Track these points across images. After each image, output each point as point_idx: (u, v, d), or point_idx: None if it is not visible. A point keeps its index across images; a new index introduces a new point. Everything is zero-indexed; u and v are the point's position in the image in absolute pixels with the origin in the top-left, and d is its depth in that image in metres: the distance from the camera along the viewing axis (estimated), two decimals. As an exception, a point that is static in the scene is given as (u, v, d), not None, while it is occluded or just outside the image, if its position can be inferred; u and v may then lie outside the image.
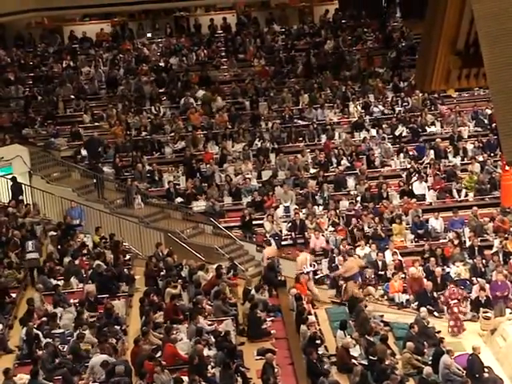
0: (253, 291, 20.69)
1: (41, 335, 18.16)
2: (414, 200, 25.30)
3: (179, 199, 25.86)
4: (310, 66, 31.69)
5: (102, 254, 21.94)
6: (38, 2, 29.84)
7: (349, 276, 22.09)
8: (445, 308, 21.21)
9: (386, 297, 22.27)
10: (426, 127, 28.67)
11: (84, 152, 26.84)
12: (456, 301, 21.01)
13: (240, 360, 17.86)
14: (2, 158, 26.16)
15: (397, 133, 28.37)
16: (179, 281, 20.96)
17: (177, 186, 26.31)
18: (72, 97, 30.30)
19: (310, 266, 22.72)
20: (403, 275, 22.50)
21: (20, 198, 25.09)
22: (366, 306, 20.78)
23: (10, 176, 25.70)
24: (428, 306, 20.97)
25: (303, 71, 31.44)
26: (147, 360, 16.99)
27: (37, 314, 19.10)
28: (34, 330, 18.16)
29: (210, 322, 19.15)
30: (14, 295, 20.47)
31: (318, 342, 18.65)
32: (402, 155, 27.38)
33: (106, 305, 19.45)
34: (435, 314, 21.32)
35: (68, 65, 32.01)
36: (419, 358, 18.60)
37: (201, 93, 30.05)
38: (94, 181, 26.14)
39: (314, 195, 25.74)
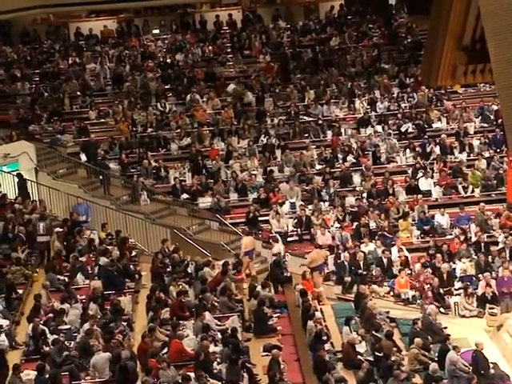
0: (259, 288, 20.69)
1: (47, 331, 18.20)
2: (420, 196, 25.28)
3: (185, 195, 25.88)
4: (315, 62, 31.68)
5: (108, 250, 21.97)
6: (44, -1, 29.94)
7: (314, 267, 22.19)
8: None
9: (391, 293, 22.26)
10: (432, 123, 28.65)
11: (83, 157, 26.79)
12: (429, 285, 21.42)
13: (246, 356, 17.88)
14: (8, 155, 26.18)
15: (403, 129, 28.35)
16: (186, 278, 20.97)
17: (183, 183, 26.32)
18: (78, 93, 30.33)
19: (284, 256, 22.75)
20: (409, 271, 22.49)
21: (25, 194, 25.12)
22: (370, 300, 20.78)
23: (16, 172, 25.76)
24: (434, 302, 20.96)
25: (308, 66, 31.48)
26: (151, 357, 17.01)
27: (43, 310, 19.13)
28: (41, 326, 18.19)
29: (218, 322, 19.16)
30: (20, 291, 20.51)
31: (325, 338, 18.65)
32: (407, 151, 27.36)
33: (113, 301, 19.48)
34: (441, 310, 21.31)
35: (74, 61, 32.03)
36: (426, 353, 18.60)
37: (231, 87, 30.00)
38: (101, 177, 26.18)
39: (319, 191, 25.73)
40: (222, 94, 30.24)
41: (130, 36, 34.05)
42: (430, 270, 22.18)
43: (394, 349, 18.63)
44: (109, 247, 22.22)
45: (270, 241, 23.68)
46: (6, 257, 21.74)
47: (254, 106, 29.81)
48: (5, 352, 17.69)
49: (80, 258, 21.92)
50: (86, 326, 18.14)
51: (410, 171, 26.58)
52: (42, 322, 18.41)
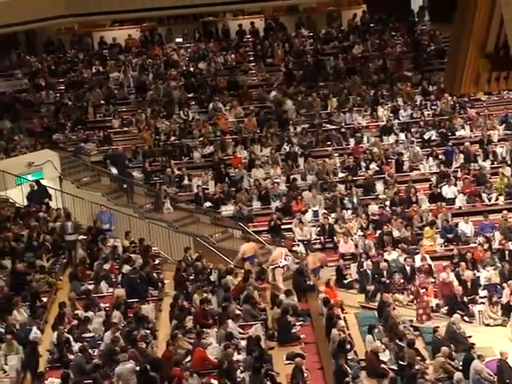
0: (282, 296, 20.67)
1: (71, 339, 18.28)
2: (444, 204, 25.19)
3: (208, 204, 25.92)
4: (338, 70, 31.67)
5: (131, 258, 22.04)
6: (69, 8, 30.06)
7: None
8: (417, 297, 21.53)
9: (415, 301, 22.16)
10: (456, 131, 28.55)
11: (114, 170, 26.86)
12: (424, 289, 21.63)
13: (269, 364, 17.86)
14: (32, 163, 26.35)
15: (426, 137, 28.26)
16: (209, 286, 20.99)
17: (205, 191, 26.38)
18: (102, 102, 30.48)
19: (285, 259, 22.71)
20: (433, 280, 22.40)
21: (46, 201, 25.25)
22: (394, 309, 20.72)
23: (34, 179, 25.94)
24: (458, 311, 20.86)
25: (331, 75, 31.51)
26: (174, 366, 17.02)
27: (68, 318, 19.21)
28: (65, 334, 18.26)
29: (241, 330, 19.15)
30: (45, 299, 20.61)
31: (348, 346, 18.59)
32: (431, 159, 27.27)
33: (136, 309, 19.53)
34: (465, 318, 21.20)
35: (98, 70, 32.21)
36: (452, 362, 18.50)
37: (273, 94, 30.02)
38: (125, 186, 26.27)
39: (342, 199, 25.70)
40: (245, 102, 30.28)
41: (153, 45, 34.20)
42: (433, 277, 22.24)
43: (418, 357, 18.54)
44: (132, 255, 22.28)
45: (273, 246, 23.67)
46: (30, 265, 21.84)
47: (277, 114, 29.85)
48: (38, 344, 18.00)
49: (103, 266, 22.00)
50: (109, 333, 18.19)
51: (433, 179, 26.49)
52: (66, 330, 18.47)
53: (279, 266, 22.26)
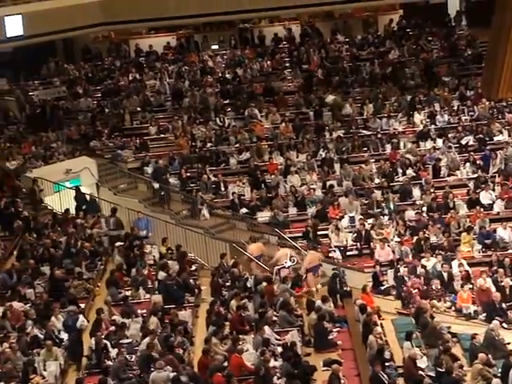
0: (318, 302, 20.63)
1: (109, 345, 18.38)
2: (481, 210, 25.00)
3: (244, 210, 25.96)
4: (374, 75, 31.59)
5: (168, 264, 22.12)
6: (106, 16, 30.34)
7: (309, 268, 22.45)
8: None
9: (453, 308, 22.01)
10: (493, 136, 28.32)
11: (156, 185, 26.97)
12: (417, 290, 21.74)
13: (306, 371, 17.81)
14: (70, 170, 26.58)
15: (463, 142, 28.08)
16: (245, 292, 21.01)
17: (242, 197, 26.42)
18: (138, 109, 30.67)
19: (290, 260, 22.78)
20: (471, 286, 22.23)
21: (84, 208, 25.44)
22: (432, 317, 20.59)
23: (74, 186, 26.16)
24: (497, 318, 20.67)
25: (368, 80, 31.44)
26: (217, 372, 17.04)
27: (105, 324, 19.32)
28: (103, 340, 18.37)
29: (278, 337, 19.14)
30: (82, 305, 20.73)
31: (387, 353, 18.49)
32: (468, 164, 27.09)
33: (173, 315, 19.60)
34: (504, 325, 21.00)
35: (134, 78, 32.43)
36: (490, 369, 18.33)
37: (331, 98, 30.03)
38: (162, 193, 26.37)
39: (379, 205, 25.60)
40: (281, 109, 30.31)
41: (189, 52, 34.36)
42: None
43: (456, 364, 18.39)
44: (169, 262, 22.37)
45: (278, 246, 23.71)
46: (68, 271, 22.01)
47: (313, 120, 29.82)
48: (83, 332, 18.73)
49: (141, 273, 22.10)
50: (147, 340, 18.27)
51: (470, 184, 26.30)
52: (103, 336, 18.59)
53: (284, 267, 22.41)
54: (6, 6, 29.37)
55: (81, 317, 19.40)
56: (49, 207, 25.89)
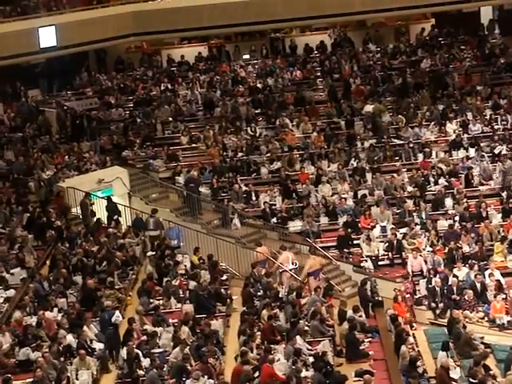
0: (350, 312, 20.55)
1: (140, 355, 18.42)
2: (515, 219, 24.80)
3: (275, 219, 25.93)
4: (406, 84, 31.48)
5: (199, 274, 22.15)
6: (138, 27, 30.51)
7: (310, 272, 22.65)
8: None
9: (486, 318, 21.81)
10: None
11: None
12: (409, 295, 22.04)
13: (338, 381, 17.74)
14: (102, 180, 26.71)
15: (496, 151, 27.86)
16: (277, 302, 20.98)
17: (273, 207, 26.39)
18: (170, 119, 30.78)
19: (292, 264, 22.94)
20: (504, 296, 22.03)
21: (115, 217, 25.55)
22: (465, 328, 20.42)
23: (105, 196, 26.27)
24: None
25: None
26: (248, 381, 17.02)
27: (136, 333, 19.37)
28: (135, 349, 18.41)
29: (309, 346, 19.09)
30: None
31: (420, 364, 18.35)
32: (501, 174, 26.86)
33: (204, 325, 19.60)
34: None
35: (166, 87, 32.57)
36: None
37: (370, 106, 29.92)
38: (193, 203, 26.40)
39: (410, 215, 25.45)
40: (313, 118, 30.28)
41: (220, 62, 34.46)
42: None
43: (489, 375, 18.22)
44: (200, 271, 22.39)
45: (279, 249, 23.76)
46: (100, 281, 22.11)
47: (344, 129, 29.75)
48: (119, 327, 19.35)
49: (172, 282, 22.15)
50: (177, 349, 18.30)
51: (504, 194, 26.07)
52: (135, 346, 18.63)
53: (286, 270, 22.52)
54: (39, 17, 29.65)
55: (117, 312, 19.85)
56: (81, 217, 25.98)
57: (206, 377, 17.36)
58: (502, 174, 26.66)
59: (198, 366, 17.67)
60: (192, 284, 21.58)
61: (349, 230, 24.88)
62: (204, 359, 17.89)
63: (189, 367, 17.88)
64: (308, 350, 18.95)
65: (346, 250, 24.54)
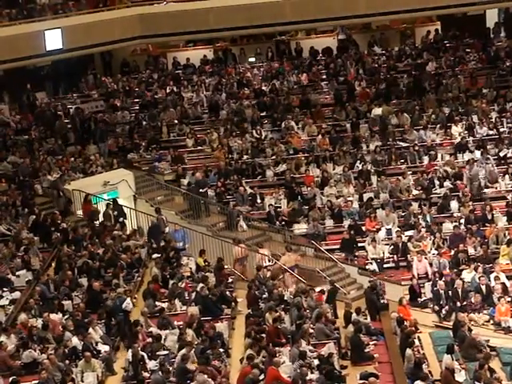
0: (355, 314, 20.55)
1: (146, 357, 18.44)
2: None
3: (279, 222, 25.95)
4: (411, 87, 31.46)
5: (205, 277, 22.16)
6: (144, 29, 30.54)
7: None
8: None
9: (491, 321, 21.79)
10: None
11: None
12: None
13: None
14: (108, 183, 26.75)
15: (502, 154, 27.84)
16: (282, 305, 20.98)
17: (278, 209, 26.40)
18: (175, 121, 30.81)
19: (269, 261, 23.34)
20: (509, 299, 22.00)
21: (121, 220, 25.57)
22: (470, 330, 20.41)
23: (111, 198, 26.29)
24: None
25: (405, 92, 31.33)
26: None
27: (142, 335, 19.39)
28: (140, 351, 18.42)
29: (312, 348, 19.08)
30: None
31: (425, 367, 18.34)
32: (507, 177, 26.84)
33: (209, 327, 19.61)
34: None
35: (171, 90, 32.60)
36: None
37: (378, 110, 29.87)
38: (202, 201, 26.36)
39: (416, 218, 25.44)
40: (318, 121, 30.29)
41: (226, 64, 34.48)
42: None
43: (494, 378, 18.20)
44: (206, 274, 22.40)
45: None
46: (105, 283, 22.13)
47: (350, 132, 29.75)
48: (129, 313, 20.00)
49: (178, 284, 22.16)
50: (183, 351, 18.31)
51: (509, 197, 26.05)
52: (140, 348, 18.65)
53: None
54: (45, 19, 29.70)
55: (128, 299, 20.22)
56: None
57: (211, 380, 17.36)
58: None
59: (201, 369, 17.67)
60: (198, 286, 21.56)
61: (352, 232, 24.88)
62: (207, 361, 17.88)
63: (192, 368, 17.88)
64: (311, 351, 18.91)
65: (351, 253, 24.53)
